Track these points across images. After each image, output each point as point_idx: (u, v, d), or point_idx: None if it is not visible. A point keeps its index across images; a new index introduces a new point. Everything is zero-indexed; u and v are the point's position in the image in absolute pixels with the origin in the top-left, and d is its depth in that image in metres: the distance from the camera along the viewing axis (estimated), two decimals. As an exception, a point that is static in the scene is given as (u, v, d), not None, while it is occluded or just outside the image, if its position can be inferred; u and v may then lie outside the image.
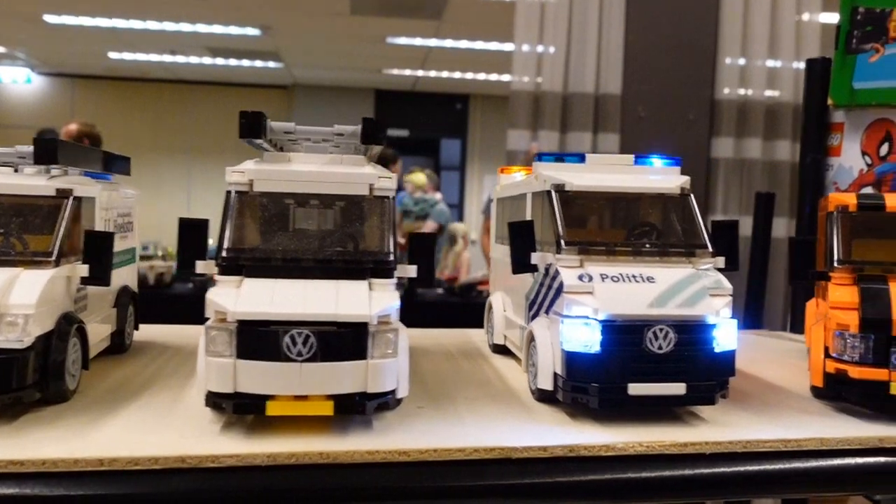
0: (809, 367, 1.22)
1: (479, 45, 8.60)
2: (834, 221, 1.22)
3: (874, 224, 1.22)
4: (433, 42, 8.67)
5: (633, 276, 1.09)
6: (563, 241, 1.13)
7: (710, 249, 1.15)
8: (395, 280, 1.05)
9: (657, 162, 1.25)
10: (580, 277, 1.09)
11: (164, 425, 1.00)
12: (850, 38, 1.76)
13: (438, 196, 7.22)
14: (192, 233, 1.05)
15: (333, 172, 1.10)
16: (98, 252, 1.10)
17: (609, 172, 1.23)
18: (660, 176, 1.23)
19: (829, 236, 1.21)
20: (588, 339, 1.05)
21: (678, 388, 1.06)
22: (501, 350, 1.50)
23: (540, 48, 3.76)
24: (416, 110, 11.35)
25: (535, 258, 1.17)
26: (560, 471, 0.98)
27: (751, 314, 2.21)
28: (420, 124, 11.38)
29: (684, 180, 1.21)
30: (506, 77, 3.75)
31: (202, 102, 10.84)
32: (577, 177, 1.20)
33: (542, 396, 1.14)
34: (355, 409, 0.98)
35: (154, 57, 9.84)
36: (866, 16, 1.73)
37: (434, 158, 11.50)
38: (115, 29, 8.45)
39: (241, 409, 0.96)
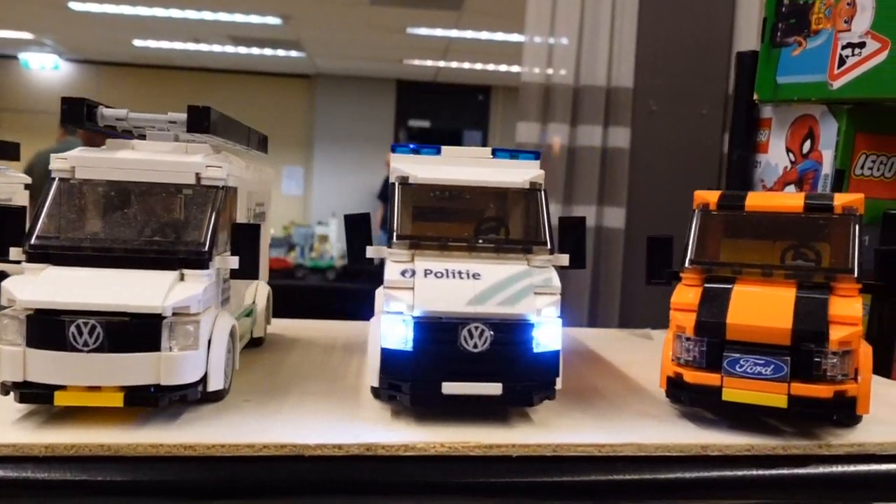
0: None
1: (499, 36, 8.54)
2: (694, 219, 1.18)
3: (735, 223, 1.18)
4: (454, 33, 8.63)
5: (459, 273, 1.06)
6: (394, 235, 1.10)
7: (549, 246, 1.11)
8: (209, 271, 1.03)
9: (516, 155, 1.22)
10: (403, 273, 1.06)
11: (-35, 413, 1.00)
12: (775, 30, 1.69)
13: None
14: (7, 220, 1.04)
15: (159, 161, 1.08)
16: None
17: (462, 165, 1.20)
18: (514, 170, 1.19)
19: (686, 235, 1.17)
20: (403, 336, 1.03)
21: (494, 388, 1.02)
22: (384, 344, 1.47)
23: (552, 40, 3.70)
24: (437, 101, 11.34)
25: (371, 252, 1.14)
26: (355, 469, 0.95)
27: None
28: (442, 115, 11.36)
29: (536, 174, 1.17)
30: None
31: (226, 91, 10.91)
32: (426, 169, 1.17)
33: (375, 394, 1.12)
34: (147, 401, 0.96)
35: (178, 45, 9.94)
36: (791, 8, 1.67)
37: (456, 150, 11.48)
38: (139, 17, 8.55)
39: (29, 399, 0.95)
